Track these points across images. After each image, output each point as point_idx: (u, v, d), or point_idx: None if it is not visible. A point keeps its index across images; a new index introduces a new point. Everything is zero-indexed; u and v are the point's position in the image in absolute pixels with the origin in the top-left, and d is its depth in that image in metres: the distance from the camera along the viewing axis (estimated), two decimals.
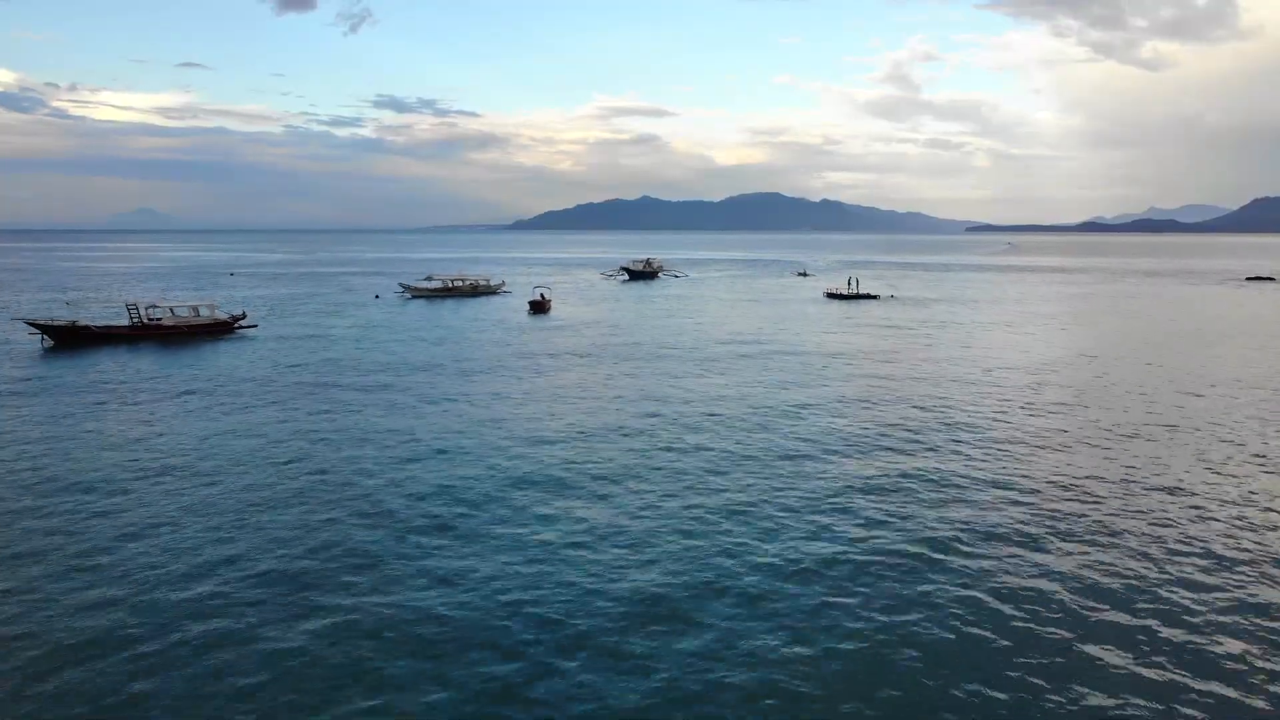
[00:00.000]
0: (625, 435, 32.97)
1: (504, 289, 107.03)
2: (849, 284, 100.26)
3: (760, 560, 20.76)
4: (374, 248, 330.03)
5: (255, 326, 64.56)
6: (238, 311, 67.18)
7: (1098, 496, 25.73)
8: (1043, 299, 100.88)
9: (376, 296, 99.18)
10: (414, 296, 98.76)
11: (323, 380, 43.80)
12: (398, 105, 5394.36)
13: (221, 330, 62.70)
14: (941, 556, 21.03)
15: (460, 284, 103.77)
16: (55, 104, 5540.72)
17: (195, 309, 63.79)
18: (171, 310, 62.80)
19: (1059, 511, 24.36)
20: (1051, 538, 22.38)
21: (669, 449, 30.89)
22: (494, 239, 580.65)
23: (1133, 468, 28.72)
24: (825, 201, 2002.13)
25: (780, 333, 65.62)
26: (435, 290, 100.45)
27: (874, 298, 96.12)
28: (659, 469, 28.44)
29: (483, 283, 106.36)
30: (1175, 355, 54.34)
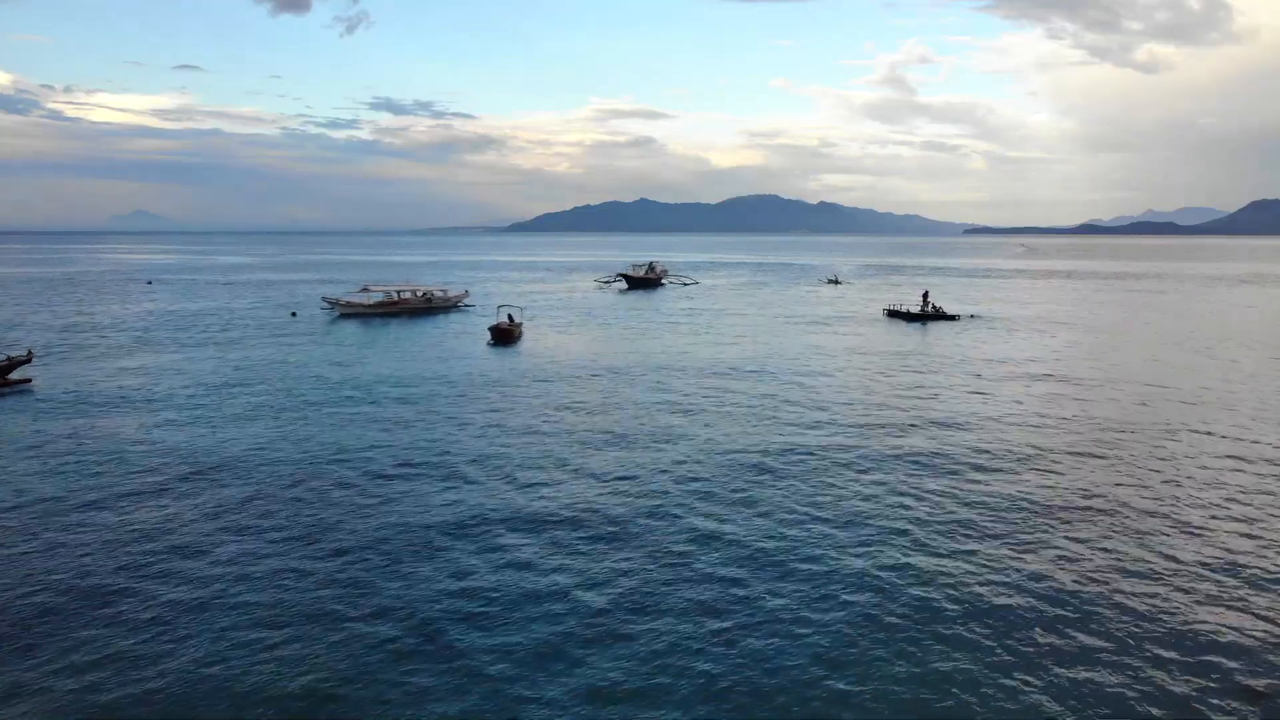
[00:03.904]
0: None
1: (466, 302, 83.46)
2: (924, 300, 76.04)
3: None
4: (361, 250, 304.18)
5: (29, 381, 40.85)
6: (18, 352, 43.43)
7: None
8: (1183, 321, 77.56)
9: (293, 315, 75.37)
10: (343, 315, 75.04)
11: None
12: (394, 107, 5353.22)
13: None
14: None
15: (409, 296, 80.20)
16: (51, 105, 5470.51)
17: None
18: None
19: None
20: None
21: None
22: (490, 242, 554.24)
23: None
24: (822, 204, 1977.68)
25: (861, 386, 42.22)
26: (373, 307, 76.63)
27: (952, 318, 72.59)
28: None
29: (438, 294, 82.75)
30: None
